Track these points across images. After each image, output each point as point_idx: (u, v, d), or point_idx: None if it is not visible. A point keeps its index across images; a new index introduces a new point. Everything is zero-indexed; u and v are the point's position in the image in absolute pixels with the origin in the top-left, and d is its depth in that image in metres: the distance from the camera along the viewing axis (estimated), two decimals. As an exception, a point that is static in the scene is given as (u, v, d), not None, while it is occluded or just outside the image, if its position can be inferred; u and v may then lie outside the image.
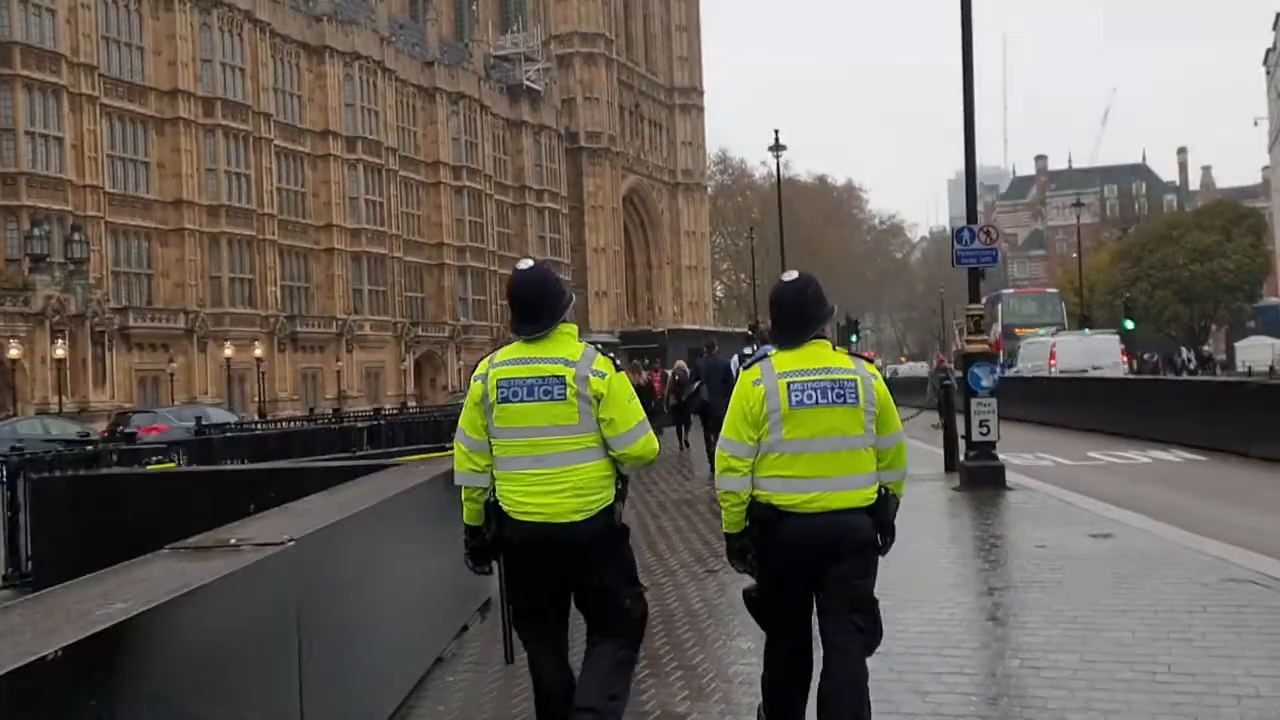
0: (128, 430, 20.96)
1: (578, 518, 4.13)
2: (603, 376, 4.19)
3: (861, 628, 4.07)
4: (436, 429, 21.24)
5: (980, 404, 13.28)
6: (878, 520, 4.16)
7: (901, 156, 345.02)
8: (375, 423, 25.62)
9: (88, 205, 47.14)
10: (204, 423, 26.10)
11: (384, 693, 5.33)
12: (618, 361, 4.37)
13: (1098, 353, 35.86)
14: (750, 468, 4.15)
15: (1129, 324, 57.96)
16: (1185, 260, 71.79)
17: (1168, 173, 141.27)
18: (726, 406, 4.32)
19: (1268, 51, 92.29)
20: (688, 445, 21.48)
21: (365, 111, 63.35)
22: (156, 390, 50.47)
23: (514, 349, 4.33)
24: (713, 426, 14.38)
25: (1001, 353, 39.68)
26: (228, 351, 52.62)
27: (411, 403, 58.38)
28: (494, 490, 4.26)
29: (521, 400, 4.18)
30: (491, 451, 4.26)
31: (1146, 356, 61.55)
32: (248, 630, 3.63)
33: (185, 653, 3.14)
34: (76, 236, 44.83)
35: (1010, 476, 13.20)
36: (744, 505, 4.18)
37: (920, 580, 7.90)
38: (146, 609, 2.90)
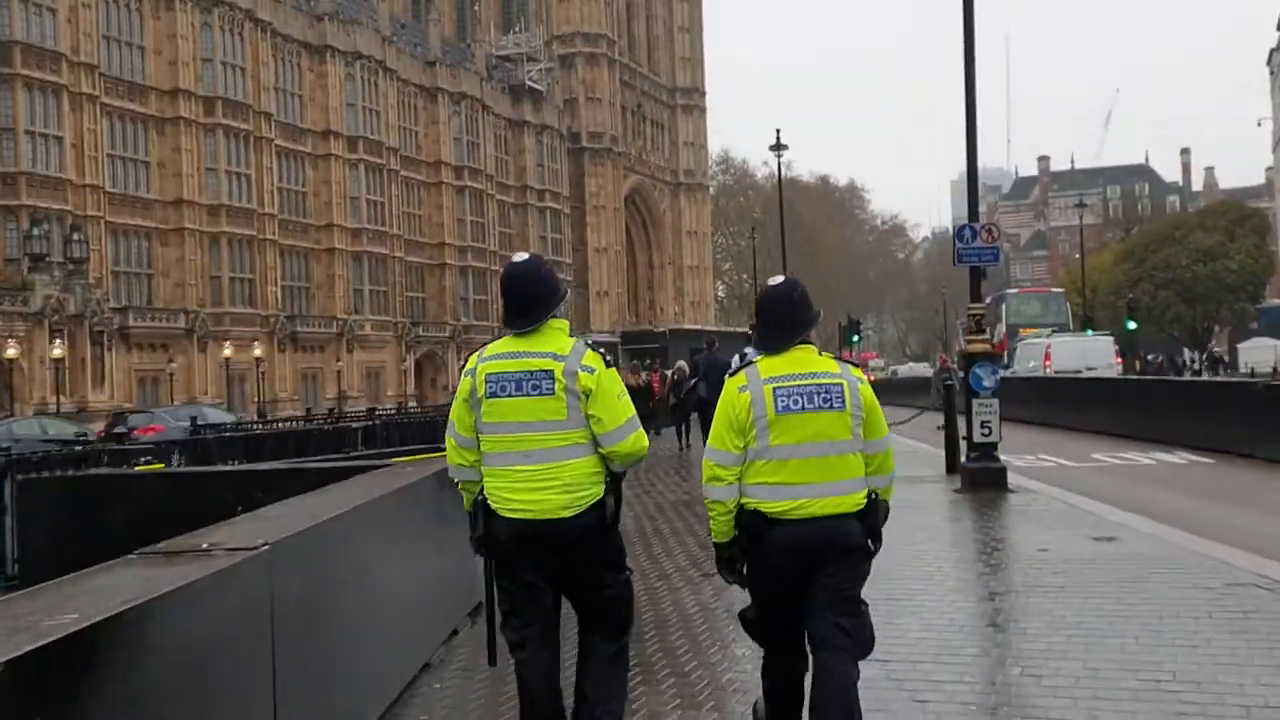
0: (119, 430, 20.83)
1: (566, 514, 4.09)
2: (592, 372, 4.14)
3: (850, 632, 4.02)
4: (432, 429, 21.12)
5: (982, 405, 13.13)
6: (867, 526, 4.10)
7: (904, 157, 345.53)
8: (370, 423, 25.47)
9: (87, 205, 47.07)
10: (200, 423, 25.99)
11: (367, 701, 5.19)
12: (608, 357, 4.31)
13: (1092, 354, 36.47)
14: (737, 476, 4.09)
15: (1132, 325, 57.78)
16: (1188, 261, 71.62)
17: (1171, 173, 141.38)
18: None
19: (1271, 51, 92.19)
20: (688, 446, 21.33)
21: (367, 111, 63.26)
22: (156, 390, 50.38)
23: (504, 343, 4.27)
24: (709, 424, 14.22)
25: (1006, 353, 39.73)
26: (227, 351, 52.55)
27: (412, 403, 58.33)
28: (481, 489, 4.21)
29: (510, 395, 4.12)
30: (479, 448, 4.20)
31: (1151, 357, 61.43)
32: (216, 640, 3.48)
33: (145, 664, 2.99)
34: (76, 236, 44.74)
35: (1012, 478, 13.06)
36: (731, 514, 4.12)
37: (920, 584, 7.78)
38: (101, 619, 2.75)
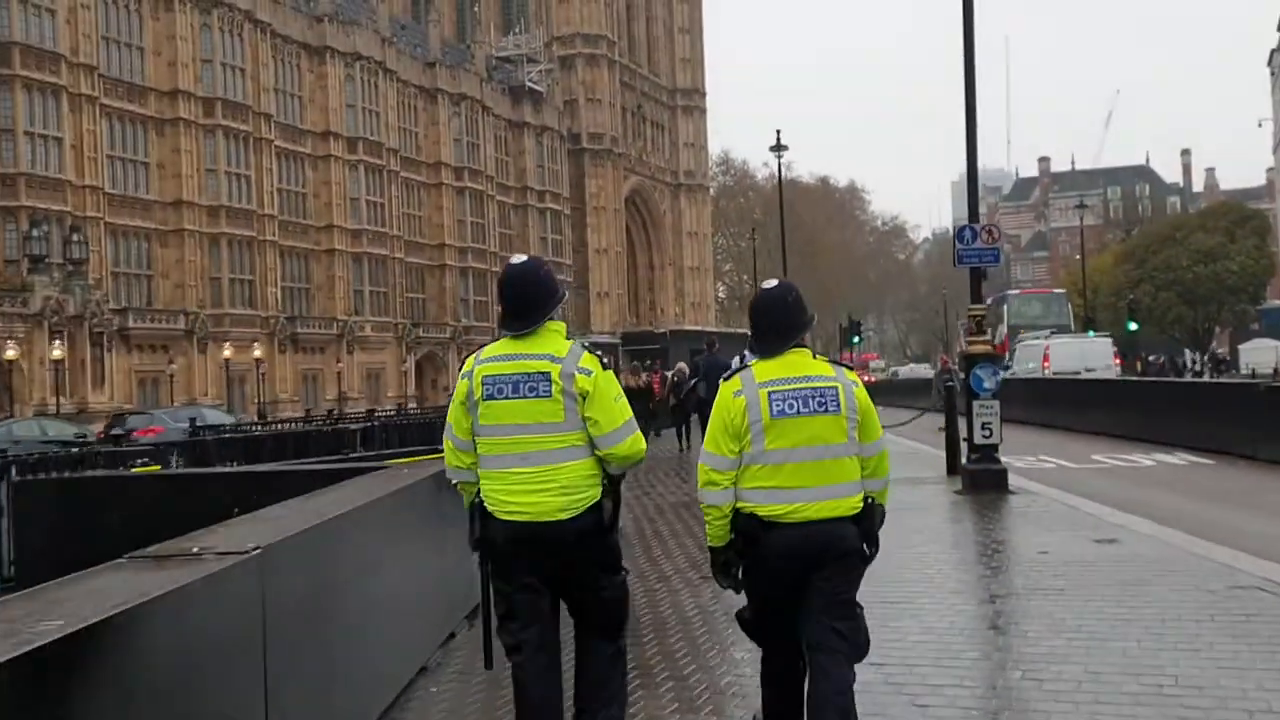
0: (115, 432, 20.79)
1: (563, 516, 4.08)
2: (589, 374, 4.12)
3: (845, 635, 4.00)
4: (431, 431, 21.05)
5: (982, 406, 13.09)
6: (863, 530, 4.10)
7: (904, 158, 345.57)
8: (369, 425, 25.41)
9: (87, 206, 47.03)
10: (199, 424, 25.94)
11: (362, 705, 5.15)
12: (605, 360, 4.29)
13: (1090, 355, 36.86)
14: (733, 480, 4.08)
15: (1132, 326, 57.74)
16: (1189, 262, 71.55)
17: (1171, 174, 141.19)
18: None
19: (1272, 52, 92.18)
20: (688, 447, 21.28)
21: (366, 112, 63.23)
22: (156, 392, 50.34)
23: (501, 345, 4.26)
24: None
25: (1007, 354, 39.82)
26: (227, 353, 52.50)
27: (412, 404, 58.29)
28: (478, 490, 4.20)
29: (507, 397, 4.11)
30: (476, 450, 4.19)
31: (1152, 358, 61.39)
32: (205, 645, 3.44)
33: (132, 671, 2.95)
34: (75, 237, 44.70)
35: (1013, 480, 13.01)
36: (727, 519, 4.12)
37: (920, 587, 7.74)
38: (86, 625, 2.71)
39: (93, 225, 47.20)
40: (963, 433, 13.72)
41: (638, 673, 5.76)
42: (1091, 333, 47.67)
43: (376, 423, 26.72)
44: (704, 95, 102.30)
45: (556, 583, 4.20)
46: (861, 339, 63.52)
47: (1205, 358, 65.55)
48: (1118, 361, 40.28)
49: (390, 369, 64.63)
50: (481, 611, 5.54)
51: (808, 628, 4.04)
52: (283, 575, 4.09)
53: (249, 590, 3.77)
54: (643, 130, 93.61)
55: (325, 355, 60.32)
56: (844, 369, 4.21)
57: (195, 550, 3.83)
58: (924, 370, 69.27)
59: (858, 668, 4.13)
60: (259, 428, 30.63)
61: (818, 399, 4.04)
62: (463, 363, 4.43)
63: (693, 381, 20.36)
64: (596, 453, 4.13)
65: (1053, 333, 44.77)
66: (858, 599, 4.13)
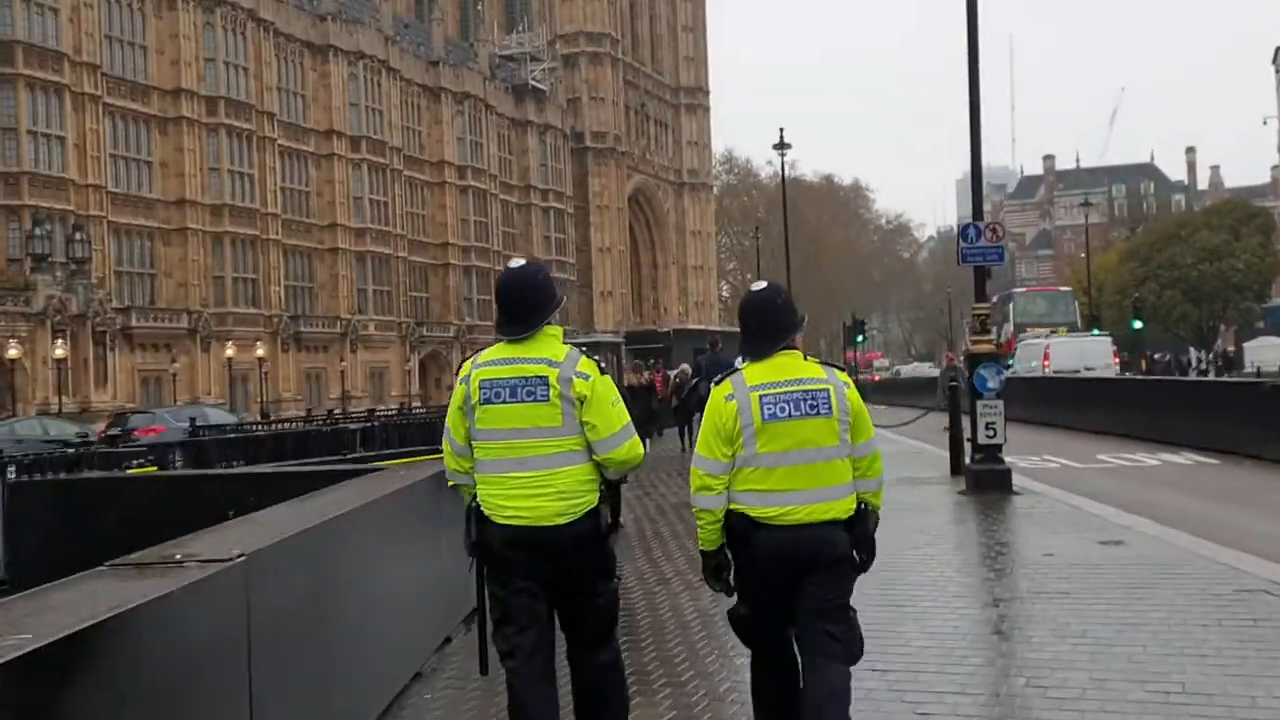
0: (114, 432, 20.73)
1: (561, 521, 4.05)
2: (586, 379, 4.09)
3: (840, 639, 3.95)
4: (432, 430, 20.95)
5: (986, 406, 13.00)
6: (856, 535, 4.04)
7: (908, 156, 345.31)
8: (369, 424, 25.30)
9: (90, 205, 47.00)
10: (200, 423, 25.86)
11: (355, 712, 5.06)
12: (602, 364, 4.27)
13: (1090, 354, 37.01)
14: (725, 485, 4.04)
15: (1137, 324, 57.58)
16: (1194, 260, 71.42)
17: (1176, 172, 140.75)
18: None
19: (1276, 50, 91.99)
20: (690, 448, 21.18)
21: (370, 111, 63.19)
22: (159, 390, 50.31)
23: (497, 349, 4.22)
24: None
25: (1014, 352, 39.82)
26: (230, 351, 52.46)
27: (416, 403, 58.23)
28: (475, 494, 4.17)
29: (504, 401, 4.08)
30: (473, 455, 4.17)
31: (1157, 357, 61.22)
32: (187, 657, 3.34)
33: (107, 684, 2.85)
34: (78, 236, 44.68)
35: (1017, 480, 12.93)
36: (719, 523, 4.08)
37: (923, 590, 7.65)
38: (57, 638, 2.62)
39: (96, 224, 47.19)
40: (966, 433, 13.63)
41: (635, 678, 5.66)
42: (1095, 331, 47.59)
43: (376, 423, 26.61)
44: (707, 94, 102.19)
45: (553, 588, 4.16)
46: (866, 338, 63.44)
47: (1210, 356, 65.33)
48: (1116, 360, 40.40)
49: (394, 368, 64.60)
50: (477, 617, 5.46)
51: (802, 632, 4.00)
52: (269, 583, 4.00)
53: (233, 598, 3.68)
54: (646, 129, 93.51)
55: (329, 354, 60.29)
56: (835, 370, 4.17)
57: (178, 557, 3.74)
58: (927, 369, 69.17)
59: (859, 673, 4.09)
60: (261, 427, 30.58)
61: (809, 402, 4.00)
62: (460, 365, 4.38)
63: (694, 380, 20.29)
64: (594, 457, 4.11)
65: (1053, 331, 44.76)
66: (851, 603, 4.07)
